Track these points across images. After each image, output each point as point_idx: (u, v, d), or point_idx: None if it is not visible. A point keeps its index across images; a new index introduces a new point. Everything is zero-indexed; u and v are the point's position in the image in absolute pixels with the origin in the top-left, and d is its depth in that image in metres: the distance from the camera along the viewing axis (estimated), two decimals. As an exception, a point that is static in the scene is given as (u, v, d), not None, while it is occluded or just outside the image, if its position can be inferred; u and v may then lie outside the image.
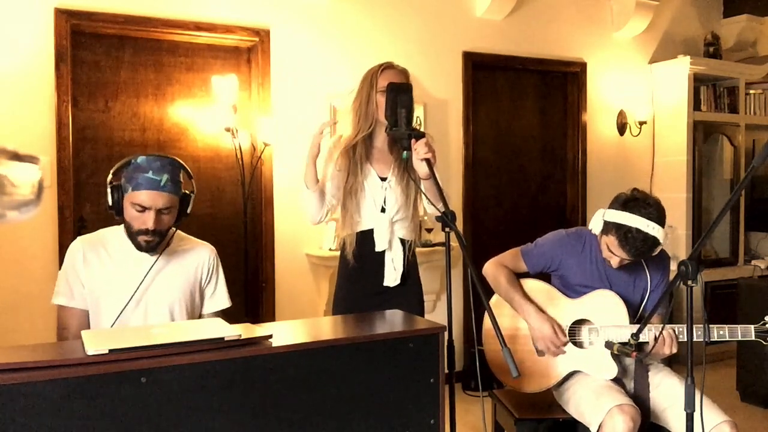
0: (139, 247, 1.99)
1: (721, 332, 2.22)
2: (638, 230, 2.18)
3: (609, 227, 2.26)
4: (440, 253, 3.96)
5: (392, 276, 2.36)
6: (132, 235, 1.98)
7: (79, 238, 2.09)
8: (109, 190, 1.97)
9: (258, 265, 3.89)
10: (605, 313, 2.35)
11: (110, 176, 1.99)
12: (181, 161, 2.05)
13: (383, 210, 2.36)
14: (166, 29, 3.60)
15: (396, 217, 2.37)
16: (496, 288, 2.47)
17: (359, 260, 2.36)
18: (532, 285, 2.47)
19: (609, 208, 2.30)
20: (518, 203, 4.83)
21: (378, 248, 2.34)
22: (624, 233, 2.20)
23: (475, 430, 3.43)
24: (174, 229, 2.12)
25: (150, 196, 1.93)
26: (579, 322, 2.40)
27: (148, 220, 1.94)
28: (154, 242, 1.98)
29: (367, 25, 4.12)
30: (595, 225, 2.32)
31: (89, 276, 2.02)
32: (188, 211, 2.06)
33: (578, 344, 2.39)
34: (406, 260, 2.38)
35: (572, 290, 2.44)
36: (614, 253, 2.27)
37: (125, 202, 1.96)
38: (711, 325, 2.21)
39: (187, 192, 2.06)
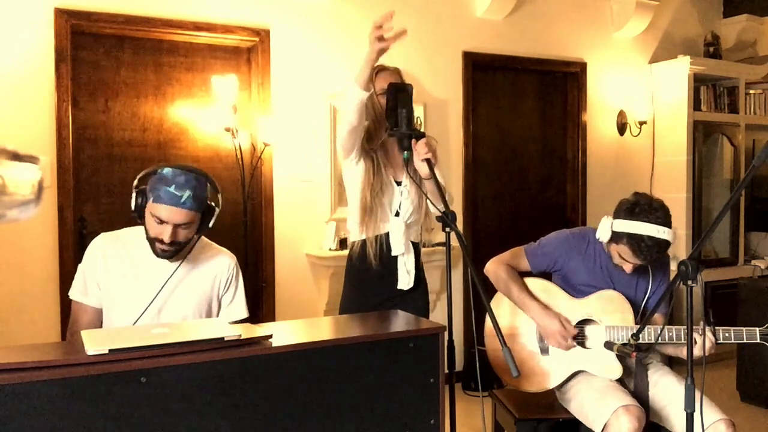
0: (156, 254, 1.97)
1: (726, 335, 2.22)
2: (651, 237, 2.17)
3: (620, 236, 2.24)
4: (440, 253, 3.95)
5: (406, 279, 2.36)
6: (150, 240, 1.97)
7: (102, 234, 2.08)
8: (134, 194, 1.95)
9: (258, 265, 3.89)
10: (611, 313, 2.34)
11: (136, 181, 1.97)
12: (207, 175, 1.99)
13: (397, 214, 2.35)
14: (166, 29, 3.60)
15: (410, 220, 2.37)
16: (498, 286, 2.45)
17: (381, 261, 2.34)
18: (534, 284, 2.47)
19: (615, 216, 2.28)
20: (518, 203, 4.83)
21: (395, 252, 2.33)
22: (637, 242, 2.19)
23: (475, 430, 3.42)
24: (196, 237, 2.08)
25: (169, 211, 1.90)
26: (583, 322, 2.39)
27: (164, 234, 1.91)
28: (170, 252, 1.96)
29: (367, 25, 4.05)
30: (603, 234, 2.29)
31: (107, 275, 2.01)
32: (210, 225, 2.01)
33: (582, 344, 2.38)
34: (418, 263, 2.39)
35: (575, 290, 2.43)
36: (628, 261, 2.27)
37: (146, 209, 1.94)
38: (717, 328, 2.20)
39: (212, 204, 2.02)
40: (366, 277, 2.37)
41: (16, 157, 1.16)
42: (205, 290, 2.08)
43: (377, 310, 2.25)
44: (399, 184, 2.36)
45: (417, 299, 2.40)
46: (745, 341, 2.22)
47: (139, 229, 2.03)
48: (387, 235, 2.34)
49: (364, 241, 2.34)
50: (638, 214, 2.21)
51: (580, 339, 2.39)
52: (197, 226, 1.99)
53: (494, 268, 2.46)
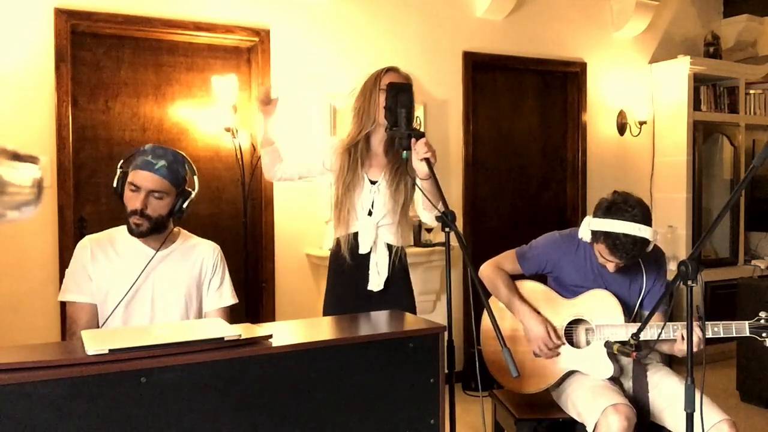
0: (131, 231, 2.02)
1: (716, 329, 2.21)
2: (626, 235, 2.17)
3: (597, 236, 2.25)
4: (440, 253, 3.96)
5: (376, 280, 2.36)
6: (127, 218, 2.02)
7: (87, 236, 2.12)
8: (117, 174, 2.04)
9: (258, 265, 3.89)
10: (600, 312, 2.35)
11: (121, 161, 2.07)
12: (185, 156, 2.09)
13: (370, 213, 2.36)
14: (166, 29, 3.60)
15: (382, 222, 2.36)
16: (491, 290, 2.48)
17: (352, 260, 2.36)
18: (528, 286, 2.48)
19: (593, 215, 2.29)
20: (518, 203, 4.83)
21: (361, 250, 2.34)
22: (613, 240, 2.19)
23: (475, 430, 3.42)
24: (178, 228, 2.16)
25: (142, 176, 1.98)
26: (575, 322, 2.40)
27: (137, 201, 1.98)
28: (144, 227, 2.00)
29: (367, 25, 4.11)
30: (584, 234, 2.31)
31: (97, 271, 2.04)
32: (184, 206, 2.06)
33: (575, 344, 2.39)
34: (391, 266, 2.37)
35: (568, 291, 2.44)
36: (608, 260, 2.27)
37: (126, 185, 2.02)
38: (706, 323, 2.20)
39: (188, 189, 2.08)
40: (341, 274, 2.39)
41: (16, 157, 1.16)
42: (192, 274, 2.12)
43: (353, 309, 2.25)
44: (374, 183, 2.37)
45: (396, 303, 2.33)
46: (734, 335, 2.21)
47: (123, 228, 2.09)
48: (357, 233, 2.35)
49: (339, 239, 2.37)
50: (614, 213, 2.21)
51: (572, 339, 2.39)
52: (171, 205, 2.03)
53: (488, 272, 2.49)
